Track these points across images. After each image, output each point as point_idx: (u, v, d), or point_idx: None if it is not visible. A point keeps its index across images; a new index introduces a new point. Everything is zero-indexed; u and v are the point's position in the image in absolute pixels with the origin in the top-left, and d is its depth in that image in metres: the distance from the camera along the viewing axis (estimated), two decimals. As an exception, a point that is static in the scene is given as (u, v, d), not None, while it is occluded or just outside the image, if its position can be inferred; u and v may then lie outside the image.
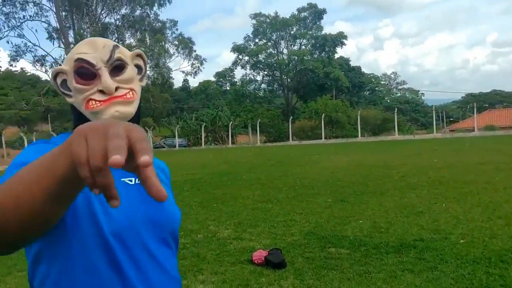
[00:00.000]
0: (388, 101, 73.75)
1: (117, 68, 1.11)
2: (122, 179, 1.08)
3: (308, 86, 50.98)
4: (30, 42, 49.37)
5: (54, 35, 41.30)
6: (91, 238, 0.98)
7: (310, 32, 52.49)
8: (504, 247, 4.90)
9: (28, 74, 66.21)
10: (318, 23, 52.75)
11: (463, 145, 19.46)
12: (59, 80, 1.16)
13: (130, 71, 1.14)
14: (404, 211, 6.98)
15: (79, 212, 0.97)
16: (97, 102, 1.08)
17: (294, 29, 52.78)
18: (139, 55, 1.21)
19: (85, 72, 1.09)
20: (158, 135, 54.80)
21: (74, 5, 40.27)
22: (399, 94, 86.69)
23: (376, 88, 76.13)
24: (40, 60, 40.56)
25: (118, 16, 43.82)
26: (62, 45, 40.75)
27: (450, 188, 8.64)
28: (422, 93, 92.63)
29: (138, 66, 1.20)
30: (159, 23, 45.59)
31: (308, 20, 52.66)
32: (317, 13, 52.27)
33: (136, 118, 1.17)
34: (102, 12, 42.95)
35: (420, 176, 10.45)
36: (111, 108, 1.07)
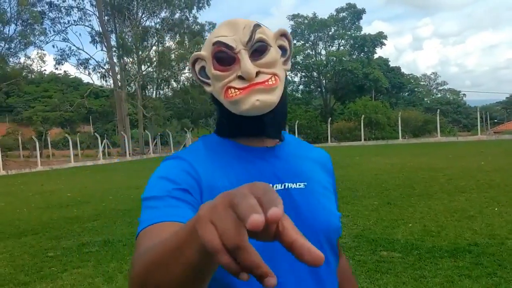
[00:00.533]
0: (428, 102, 72.17)
1: (258, 50, 0.99)
2: None
3: (347, 87, 50.41)
4: (74, 46, 50.95)
5: (97, 39, 42.34)
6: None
7: (349, 32, 51.91)
8: None
9: (71, 76, 68.33)
10: (357, 23, 52.13)
11: (511, 148, 18.80)
12: (197, 67, 1.08)
13: (273, 53, 1.01)
14: (454, 215, 6.81)
15: None
16: (236, 90, 0.98)
17: (333, 29, 52.30)
18: (283, 35, 1.07)
19: (224, 56, 0.99)
20: (196, 136, 55.48)
21: (116, 9, 41.22)
22: (439, 95, 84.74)
23: (416, 89, 74.55)
24: (83, 63, 41.66)
25: (158, 20, 44.62)
26: (104, 49, 41.80)
27: (502, 192, 8.37)
28: (464, 94, 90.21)
29: (282, 47, 1.07)
30: (198, 26, 46.12)
31: (347, 21, 52.08)
32: (356, 13, 51.65)
33: (280, 108, 1.04)
34: (143, 16, 43.80)
35: (468, 179, 10.16)
36: (251, 96, 0.96)
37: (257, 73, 0.97)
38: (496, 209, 7.05)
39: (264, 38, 1.00)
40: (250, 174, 0.99)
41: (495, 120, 65.87)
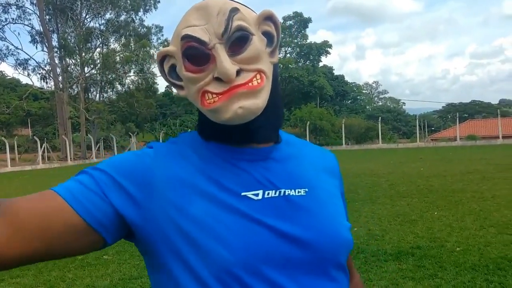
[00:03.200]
0: (370, 110, 74.57)
1: (238, 42, 0.80)
2: (243, 193, 0.82)
3: (293, 94, 51.31)
4: (12, 45, 48.76)
5: (38, 39, 40.84)
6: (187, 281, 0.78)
7: (295, 40, 52.93)
8: (499, 254, 4.98)
9: (8, 77, 65.20)
10: (303, 31, 53.28)
11: (447, 154, 19.77)
12: (166, 66, 0.87)
13: (256, 43, 0.82)
14: (397, 219, 7.05)
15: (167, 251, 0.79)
16: (214, 96, 0.80)
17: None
18: (268, 18, 0.86)
19: (196, 54, 0.80)
20: (141, 140, 54.45)
21: (58, 9, 39.92)
22: (380, 103, 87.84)
23: (358, 97, 76.93)
24: (22, 64, 40.01)
25: (102, 21, 43.63)
26: (45, 49, 40.30)
27: (440, 197, 8.76)
28: (403, 103, 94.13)
29: (267, 34, 0.86)
30: (144, 29, 45.47)
31: (294, 29, 53.12)
32: (303, 22, 52.79)
33: (272, 107, 0.87)
34: (87, 16, 42.63)
35: (409, 185, 10.57)
36: (232, 103, 0.79)
37: (238, 72, 0.79)
38: (435, 213, 7.36)
39: (244, 25, 0.81)
40: (238, 173, 0.85)
41: (432, 128, 69.03)
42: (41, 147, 33.07)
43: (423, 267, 4.68)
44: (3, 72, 64.59)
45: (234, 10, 0.81)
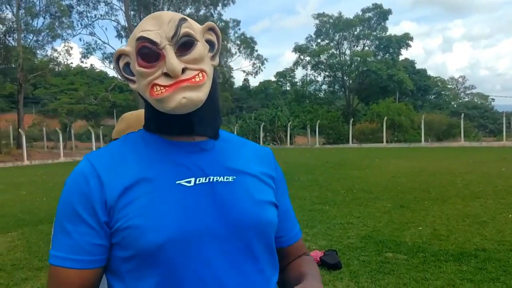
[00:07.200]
0: (455, 105, 70.96)
1: (184, 45, 0.96)
2: (178, 182, 0.96)
3: (371, 88, 49.94)
4: (100, 39, 51.65)
5: (123, 34, 42.97)
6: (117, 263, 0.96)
7: (374, 33, 51.38)
8: None
9: (97, 70, 69.30)
10: (382, 23, 51.54)
11: (535, 154, 18.41)
12: (121, 64, 1.03)
13: (200, 48, 0.98)
14: (466, 220, 6.75)
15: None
16: (161, 88, 0.94)
17: (358, 29, 51.80)
18: (211, 29, 1.05)
19: (148, 52, 0.95)
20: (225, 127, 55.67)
21: (142, 4, 41.74)
22: (467, 99, 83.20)
23: (442, 92, 73.42)
24: (109, 57, 42.23)
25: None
26: (130, 43, 42.34)
27: (519, 199, 8.24)
28: (493, 99, 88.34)
29: (209, 42, 1.04)
30: (222, 23, 46.31)
31: (373, 21, 51.58)
32: (382, 14, 51.08)
33: (211, 104, 1.03)
34: (168, 11, 44.22)
35: (486, 185, 10.01)
36: (177, 94, 0.93)
37: (184, 70, 0.94)
38: (510, 215, 6.95)
39: (190, 32, 0.97)
40: (172, 165, 0.99)
41: (523, 126, 64.37)
42: (124, 136, 34.82)
43: (485, 270, 4.49)
44: (93, 65, 68.71)
45: (183, 20, 0.98)
